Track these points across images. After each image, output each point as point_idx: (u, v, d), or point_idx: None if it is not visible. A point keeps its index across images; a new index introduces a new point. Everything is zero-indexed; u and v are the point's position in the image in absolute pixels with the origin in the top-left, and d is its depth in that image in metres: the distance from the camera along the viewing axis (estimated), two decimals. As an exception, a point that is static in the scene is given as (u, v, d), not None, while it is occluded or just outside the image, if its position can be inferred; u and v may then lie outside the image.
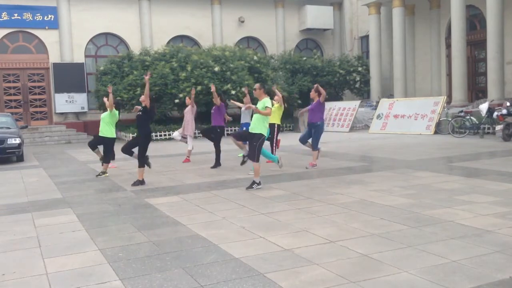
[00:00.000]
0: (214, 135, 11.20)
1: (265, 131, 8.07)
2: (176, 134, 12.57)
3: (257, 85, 8.41)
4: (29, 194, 8.35)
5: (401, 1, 21.57)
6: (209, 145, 12.27)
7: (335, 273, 3.99)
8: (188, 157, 12.10)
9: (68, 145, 19.54)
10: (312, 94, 10.29)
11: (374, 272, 3.99)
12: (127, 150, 9.46)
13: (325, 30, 26.80)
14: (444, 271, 3.95)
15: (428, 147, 13.23)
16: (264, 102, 8.11)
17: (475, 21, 21.10)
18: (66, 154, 15.41)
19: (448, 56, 21.72)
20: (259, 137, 7.96)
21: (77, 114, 22.24)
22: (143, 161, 8.79)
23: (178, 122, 20.22)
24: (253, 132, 8.02)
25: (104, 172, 10.16)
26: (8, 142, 13.20)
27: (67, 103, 21.68)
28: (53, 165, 12.65)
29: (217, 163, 10.79)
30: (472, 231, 5.02)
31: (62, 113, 21.89)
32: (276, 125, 10.36)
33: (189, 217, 6.16)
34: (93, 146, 10.78)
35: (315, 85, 10.39)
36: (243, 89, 12.23)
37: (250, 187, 7.86)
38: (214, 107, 11.34)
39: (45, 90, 22.01)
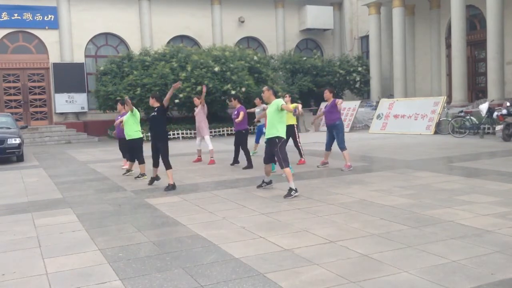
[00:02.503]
0: (239, 139, 10.85)
1: (282, 133, 7.46)
2: (198, 142, 11.88)
3: (265, 88, 7.85)
4: (29, 194, 8.35)
5: (401, 1, 21.57)
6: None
7: (335, 273, 3.99)
8: (212, 157, 11.56)
9: (68, 145, 19.53)
10: (327, 95, 9.97)
11: (374, 272, 3.99)
12: (156, 161, 8.69)
13: (325, 30, 26.79)
14: (444, 271, 3.95)
15: (428, 147, 13.23)
16: (277, 102, 7.49)
17: (475, 21, 21.09)
18: (66, 154, 15.41)
19: (448, 56, 21.72)
20: (276, 142, 7.43)
21: (77, 114, 22.24)
22: (169, 162, 8.42)
23: (178, 122, 20.28)
24: (269, 137, 7.55)
25: (143, 174, 9.64)
26: (8, 142, 13.20)
27: (67, 103, 21.67)
28: (53, 165, 12.65)
29: (249, 164, 10.43)
30: (472, 231, 5.02)
31: (62, 113, 21.89)
32: (294, 126, 10.47)
33: (189, 217, 6.16)
34: (125, 153, 10.46)
35: (329, 88, 10.20)
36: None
37: (288, 195, 7.14)
38: (235, 112, 10.97)
39: (45, 90, 22.01)
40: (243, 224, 5.69)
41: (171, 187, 8.20)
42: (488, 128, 15.94)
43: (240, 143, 10.75)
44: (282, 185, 8.13)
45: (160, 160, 8.57)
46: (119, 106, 11.57)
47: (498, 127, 14.40)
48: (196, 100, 11.88)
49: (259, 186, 7.93)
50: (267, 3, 25.66)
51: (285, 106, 7.47)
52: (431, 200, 6.55)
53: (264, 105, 11.05)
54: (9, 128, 14.39)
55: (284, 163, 7.39)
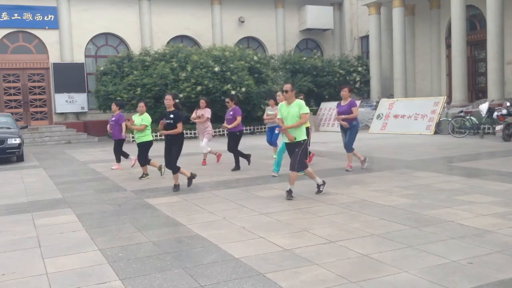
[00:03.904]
0: (233, 141, 10.45)
1: (304, 135, 7.10)
2: (203, 144, 11.31)
3: (288, 86, 7.09)
4: (29, 194, 8.35)
5: (401, 1, 21.57)
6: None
7: (335, 273, 3.99)
8: (205, 159, 11.36)
9: (68, 145, 19.54)
10: (346, 93, 9.46)
11: (374, 272, 3.99)
12: (169, 162, 8.27)
13: (325, 30, 26.80)
14: (444, 271, 3.94)
15: (428, 147, 13.23)
16: (299, 106, 7.04)
17: (475, 21, 21.09)
18: (66, 154, 15.41)
19: (448, 56, 21.72)
20: (301, 144, 7.03)
21: (77, 114, 22.24)
22: (177, 166, 8.22)
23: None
24: (291, 141, 7.06)
25: (146, 174, 9.66)
26: (8, 142, 13.20)
27: (67, 103, 21.68)
28: (53, 165, 12.64)
29: (237, 166, 10.27)
30: (472, 231, 5.02)
31: (62, 113, 21.89)
32: (309, 128, 9.64)
33: (189, 217, 6.16)
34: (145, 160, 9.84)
35: (349, 87, 9.63)
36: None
37: (289, 196, 7.03)
38: (230, 113, 10.51)
39: (45, 90, 22.01)
40: (243, 224, 5.68)
41: (187, 184, 8.20)
42: (488, 128, 15.94)
43: (234, 144, 10.39)
44: (282, 186, 8.12)
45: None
46: (113, 106, 11.50)
47: (498, 127, 14.40)
48: (203, 103, 11.30)
49: (318, 192, 7.24)
50: (267, 3, 25.66)
51: (304, 117, 7.01)
52: (431, 200, 6.54)
53: (276, 107, 10.63)
54: (9, 128, 14.39)
55: (299, 166, 6.98)
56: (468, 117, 16.19)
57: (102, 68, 20.81)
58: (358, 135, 9.89)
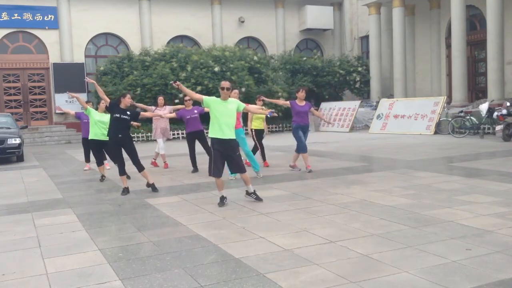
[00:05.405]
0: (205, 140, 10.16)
1: None
2: (162, 145, 11.46)
3: (227, 84, 6.74)
4: (29, 194, 8.35)
5: (401, 1, 21.57)
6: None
7: (335, 273, 3.99)
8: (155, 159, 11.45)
9: (68, 145, 19.53)
10: (305, 94, 9.64)
11: (374, 272, 3.99)
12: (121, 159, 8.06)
13: (325, 30, 26.79)
14: (444, 271, 3.94)
15: (428, 147, 13.23)
16: (237, 103, 6.92)
17: (475, 21, 21.09)
18: (66, 154, 15.41)
19: (448, 56, 21.72)
20: (238, 144, 7.05)
21: (77, 114, 22.22)
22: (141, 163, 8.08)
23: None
24: (231, 138, 6.72)
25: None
26: (8, 142, 13.21)
27: (67, 103, 21.61)
28: (53, 165, 12.64)
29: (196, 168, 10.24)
30: (472, 231, 5.02)
31: (62, 113, 21.86)
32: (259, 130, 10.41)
33: (189, 217, 6.16)
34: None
35: (305, 88, 9.96)
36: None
37: (257, 197, 6.97)
38: (195, 111, 10.17)
39: (45, 90, 22.01)
40: (243, 224, 5.68)
41: (154, 187, 8.04)
42: (488, 128, 15.94)
43: (206, 143, 9.86)
44: (282, 185, 8.13)
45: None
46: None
47: (498, 127, 14.41)
48: (161, 100, 11.19)
49: (220, 205, 6.76)
50: (267, 3, 25.66)
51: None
52: (431, 200, 6.54)
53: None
54: (9, 128, 14.40)
55: (244, 168, 6.91)
56: (468, 117, 16.19)
57: (102, 68, 20.81)
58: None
